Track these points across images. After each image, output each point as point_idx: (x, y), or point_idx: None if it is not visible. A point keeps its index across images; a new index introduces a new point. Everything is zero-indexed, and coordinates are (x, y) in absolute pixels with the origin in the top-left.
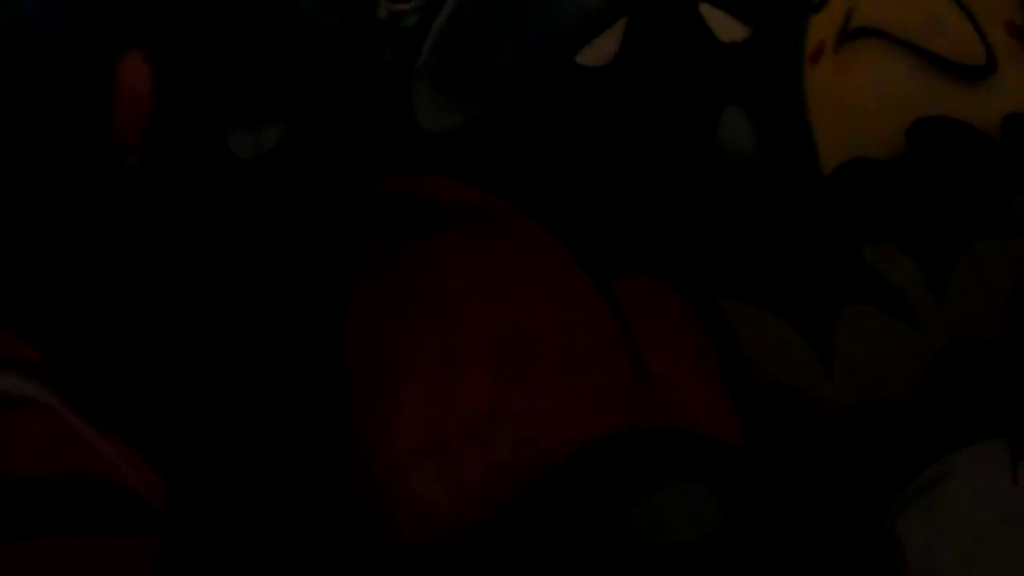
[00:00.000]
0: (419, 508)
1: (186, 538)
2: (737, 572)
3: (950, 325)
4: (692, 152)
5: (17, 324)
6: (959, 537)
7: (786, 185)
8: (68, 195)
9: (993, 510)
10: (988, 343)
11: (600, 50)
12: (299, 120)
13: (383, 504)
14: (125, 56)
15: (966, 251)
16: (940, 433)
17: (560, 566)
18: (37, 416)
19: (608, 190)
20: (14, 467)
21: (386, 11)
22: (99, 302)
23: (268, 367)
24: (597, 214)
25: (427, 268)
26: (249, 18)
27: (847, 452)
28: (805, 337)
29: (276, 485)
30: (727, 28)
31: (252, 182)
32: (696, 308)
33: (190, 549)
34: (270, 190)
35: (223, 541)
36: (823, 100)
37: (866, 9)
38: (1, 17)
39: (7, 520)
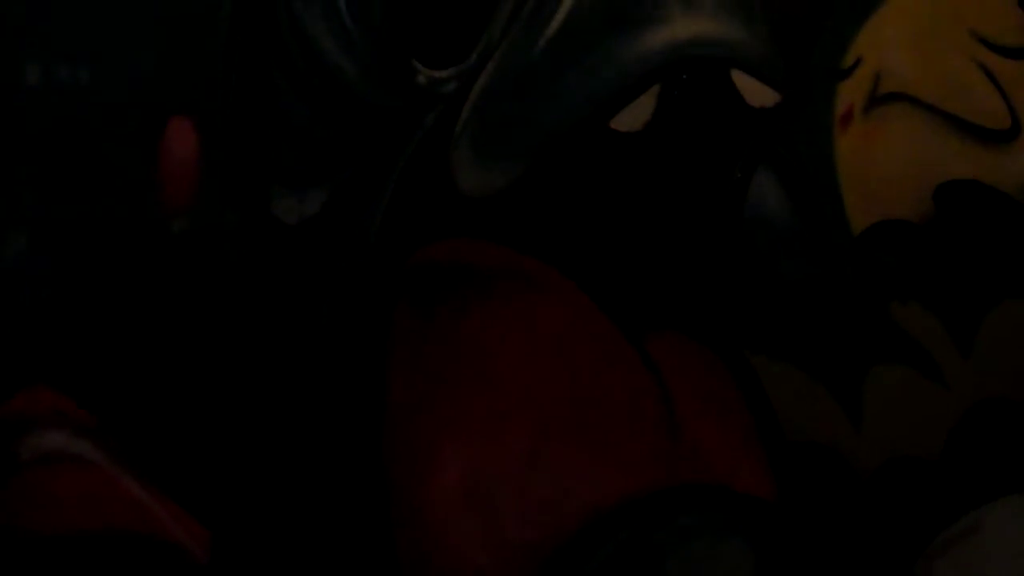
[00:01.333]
0: (460, 564)
1: None
2: None
3: (976, 383)
4: (724, 214)
5: (66, 384)
6: None
7: (816, 246)
8: (116, 259)
9: (1020, 562)
10: (1014, 401)
11: (634, 116)
12: (342, 185)
13: (425, 561)
14: (172, 122)
15: (991, 311)
16: (967, 489)
17: None
18: (86, 473)
19: (642, 251)
20: (64, 522)
21: (426, 78)
22: (146, 364)
23: (311, 427)
24: (632, 275)
25: (468, 329)
26: (292, 85)
27: (876, 508)
28: (834, 395)
29: (319, 542)
30: (758, 94)
31: (296, 246)
32: (728, 366)
33: None
34: (314, 254)
35: None
36: (852, 163)
37: (894, 74)
38: (53, 85)
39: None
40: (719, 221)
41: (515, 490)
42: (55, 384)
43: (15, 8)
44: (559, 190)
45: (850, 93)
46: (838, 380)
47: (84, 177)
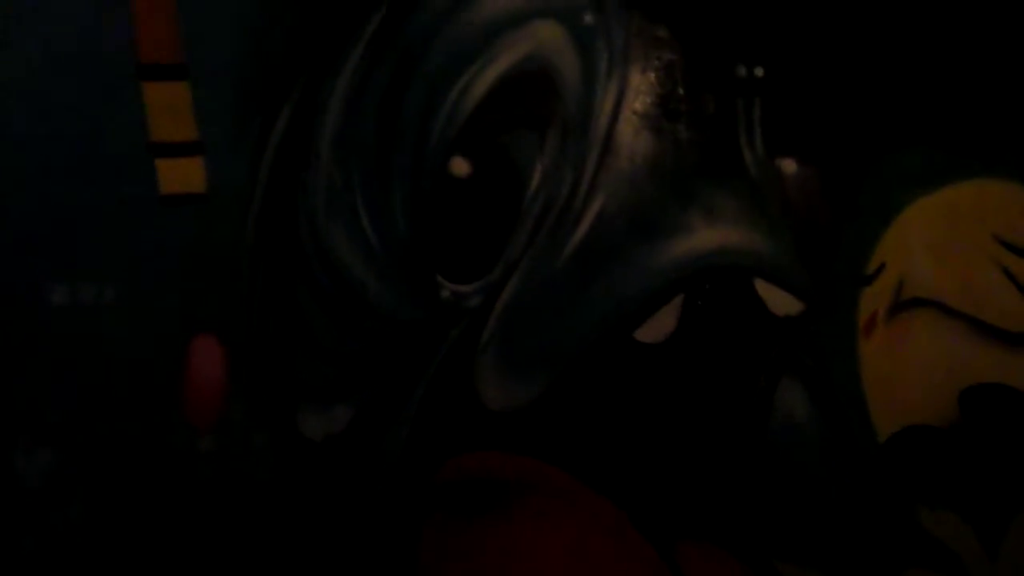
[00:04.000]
0: None
1: None
2: None
3: None
4: (750, 423)
5: None
6: None
7: (842, 453)
8: (144, 477)
9: None
10: None
11: (659, 327)
12: (367, 400)
13: None
14: (197, 340)
15: (1018, 514)
16: None
17: None
18: None
19: (669, 462)
20: None
21: (450, 292)
22: None
23: None
24: (659, 485)
25: (497, 544)
26: (316, 300)
27: None
28: None
29: None
30: (781, 303)
31: (323, 463)
32: (756, 574)
33: None
34: (341, 471)
35: None
36: (876, 370)
37: (916, 280)
38: (79, 303)
39: None
40: (745, 430)
41: None
42: None
43: (40, 229)
44: (585, 401)
45: (873, 299)
46: None
47: (110, 395)
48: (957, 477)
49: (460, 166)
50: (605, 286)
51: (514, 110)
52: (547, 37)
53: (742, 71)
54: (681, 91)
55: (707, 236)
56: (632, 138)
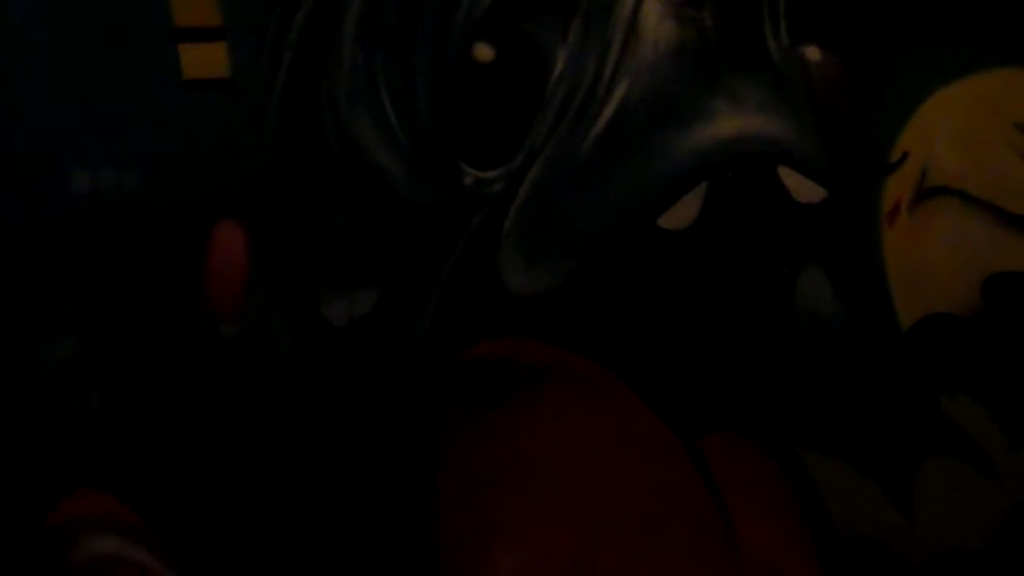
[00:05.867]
0: None
1: None
2: None
3: None
4: (773, 310)
5: (118, 489)
6: None
7: (865, 341)
8: (165, 364)
9: None
10: None
11: (682, 214)
12: (390, 286)
13: None
14: (220, 226)
15: None
16: None
17: None
18: None
19: (692, 350)
20: None
21: (473, 179)
22: (196, 468)
23: (363, 527)
24: (682, 373)
25: (518, 430)
26: (339, 186)
27: None
28: (885, 490)
29: None
30: (805, 190)
31: (346, 348)
32: (779, 463)
33: None
34: (364, 355)
35: None
36: (900, 258)
37: (940, 169)
38: (100, 190)
39: None
40: (768, 318)
41: None
42: (105, 487)
43: (62, 114)
44: (608, 289)
45: (897, 188)
46: (889, 475)
47: (131, 282)
48: (979, 366)
49: (483, 52)
50: (628, 173)
51: None
52: None
53: None
54: None
55: (730, 123)
56: (656, 24)
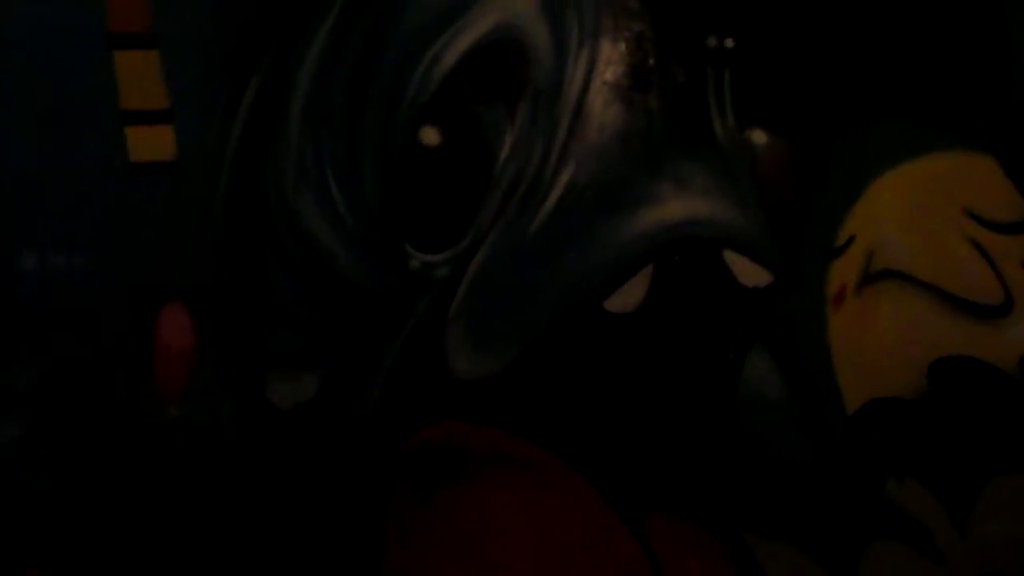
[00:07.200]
0: None
1: None
2: None
3: (974, 560)
4: (719, 394)
5: (65, 570)
6: None
7: (811, 425)
8: (113, 446)
9: None
10: None
11: (628, 297)
12: (336, 369)
13: None
14: (166, 308)
15: (986, 487)
16: None
17: None
18: None
19: (637, 433)
20: None
21: (419, 262)
22: (143, 549)
23: None
24: (627, 456)
25: (464, 513)
26: (285, 269)
27: None
28: (831, 573)
29: None
30: (751, 274)
31: (290, 431)
32: (724, 545)
33: None
34: (309, 439)
35: None
36: (846, 341)
37: (886, 251)
38: (48, 270)
39: None
40: (714, 401)
41: None
42: (52, 570)
43: (10, 195)
44: (554, 372)
45: (843, 271)
46: (834, 558)
47: (80, 362)
48: (926, 450)
49: (430, 135)
50: (575, 256)
51: (485, 80)
52: (518, 7)
53: (712, 42)
54: (652, 62)
55: (676, 206)
56: (603, 108)
